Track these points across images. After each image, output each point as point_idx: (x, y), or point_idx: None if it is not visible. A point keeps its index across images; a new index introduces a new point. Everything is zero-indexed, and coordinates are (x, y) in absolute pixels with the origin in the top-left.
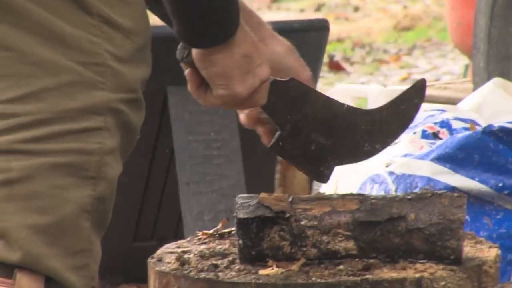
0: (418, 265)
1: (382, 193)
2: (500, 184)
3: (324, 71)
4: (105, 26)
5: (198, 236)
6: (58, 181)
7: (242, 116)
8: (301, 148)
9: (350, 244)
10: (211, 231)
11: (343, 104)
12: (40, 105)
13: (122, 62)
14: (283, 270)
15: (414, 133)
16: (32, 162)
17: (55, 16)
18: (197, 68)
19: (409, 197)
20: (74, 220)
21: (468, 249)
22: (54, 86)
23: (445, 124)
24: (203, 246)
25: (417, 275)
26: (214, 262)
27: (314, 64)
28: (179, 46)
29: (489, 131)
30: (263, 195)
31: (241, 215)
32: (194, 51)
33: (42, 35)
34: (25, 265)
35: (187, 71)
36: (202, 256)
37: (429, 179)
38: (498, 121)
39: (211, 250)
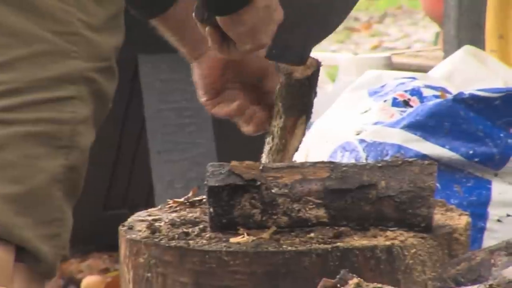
0: (388, 233)
1: (353, 161)
2: (471, 152)
3: None
4: None
5: (169, 204)
6: (31, 150)
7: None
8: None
9: (321, 212)
10: (182, 199)
11: None
12: (12, 75)
13: (95, 31)
14: (254, 238)
15: (385, 101)
16: (4, 132)
17: None
18: (219, 27)
19: (379, 165)
20: (46, 189)
21: (439, 216)
22: (27, 56)
23: (415, 92)
24: (174, 214)
25: (388, 243)
26: (185, 230)
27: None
28: (195, 7)
29: (459, 99)
30: (234, 163)
31: (212, 183)
32: (220, 18)
33: (16, 5)
34: None
35: (207, 30)
36: (173, 224)
37: (400, 147)
38: (469, 89)
39: (182, 218)
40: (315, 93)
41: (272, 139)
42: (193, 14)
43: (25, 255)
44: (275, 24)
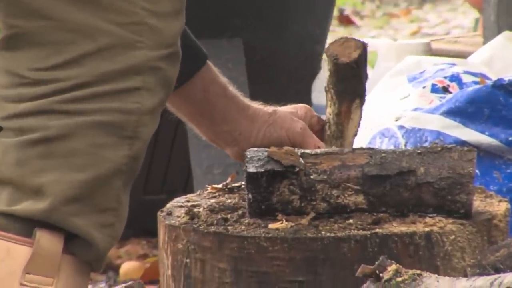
0: (427, 219)
1: (391, 147)
2: (510, 138)
3: (334, 25)
4: None
5: (208, 190)
6: (97, 139)
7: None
8: None
9: (360, 198)
10: (220, 185)
11: None
12: (80, 70)
13: (159, 17)
14: (293, 224)
15: (424, 87)
16: (71, 121)
17: None
18: None
19: (419, 151)
20: (109, 178)
21: (478, 203)
22: (94, 51)
23: (455, 78)
24: (212, 200)
25: (427, 229)
26: (223, 216)
27: (325, 19)
28: None
29: (499, 85)
30: (272, 149)
31: (251, 169)
32: None
33: (80, 0)
34: (49, 220)
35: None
36: (211, 210)
37: (439, 133)
38: (509, 75)
39: (220, 204)
40: (366, 75)
41: (329, 126)
42: None
43: (75, 244)
44: None
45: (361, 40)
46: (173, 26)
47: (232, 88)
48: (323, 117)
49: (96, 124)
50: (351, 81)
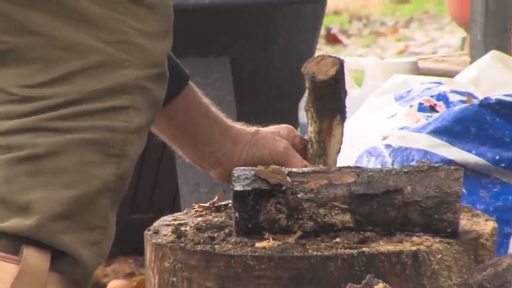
0: (414, 238)
1: (378, 166)
2: (497, 157)
3: (321, 44)
4: (128, 2)
5: (195, 208)
6: (85, 157)
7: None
8: None
9: (347, 217)
10: (207, 204)
11: None
12: (68, 88)
13: (147, 37)
14: (280, 242)
15: (411, 106)
16: (59, 139)
17: None
18: None
19: (405, 170)
20: (96, 196)
21: (465, 222)
22: (82, 68)
23: (442, 97)
24: (199, 219)
25: (414, 248)
26: (210, 234)
27: (311, 37)
28: None
29: (486, 104)
30: (259, 167)
31: (238, 187)
32: None
33: (69, 17)
34: (36, 236)
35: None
36: (198, 228)
37: (426, 152)
38: (495, 94)
39: (207, 222)
40: (345, 91)
41: (311, 145)
42: None
43: (62, 262)
44: None
45: (338, 56)
46: (160, 46)
47: (214, 109)
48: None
49: (84, 142)
50: (330, 98)
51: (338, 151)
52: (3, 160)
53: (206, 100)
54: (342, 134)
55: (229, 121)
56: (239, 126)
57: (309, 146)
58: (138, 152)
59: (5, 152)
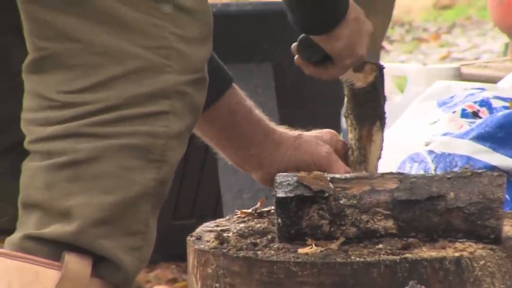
0: (457, 244)
1: (421, 172)
2: None
3: None
4: (168, 7)
5: (237, 214)
6: (125, 162)
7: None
8: None
9: (389, 223)
10: (250, 210)
11: None
12: (108, 93)
13: (187, 43)
14: (322, 249)
15: (454, 112)
16: (99, 144)
17: (119, 2)
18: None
19: (448, 176)
20: (137, 201)
21: (508, 228)
22: (122, 74)
23: (485, 103)
24: (242, 225)
25: (457, 254)
26: (253, 240)
27: None
28: (299, 46)
29: None
30: (302, 174)
31: (280, 194)
32: (318, 36)
33: (107, 23)
34: (77, 242)
35: (301, 63)
36: (241, 234)
37: (469, 158)
38: None
39: (250, 228)
40: (384, 97)
41: (352, 152)
42: (296, 57)
43: (103, 267)
44: (367, 36)
45: (377, 62)
46: (200, 52)
47: (258, 112)
48: None
49: (124, 147)
50: (369, 104)
51: (379, 158)
52: (43, 166)
53: (249, 103)
54: (383, 140)
55: (272, 124)
56: (282, 129)
57: (349, 152)
58: (178, 157)
59: (46, 158)
